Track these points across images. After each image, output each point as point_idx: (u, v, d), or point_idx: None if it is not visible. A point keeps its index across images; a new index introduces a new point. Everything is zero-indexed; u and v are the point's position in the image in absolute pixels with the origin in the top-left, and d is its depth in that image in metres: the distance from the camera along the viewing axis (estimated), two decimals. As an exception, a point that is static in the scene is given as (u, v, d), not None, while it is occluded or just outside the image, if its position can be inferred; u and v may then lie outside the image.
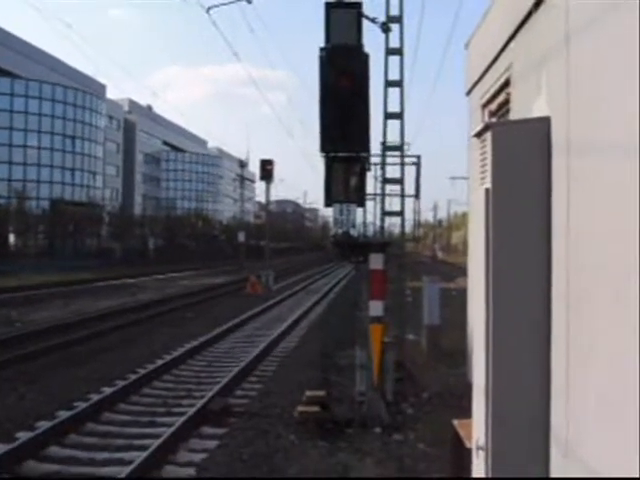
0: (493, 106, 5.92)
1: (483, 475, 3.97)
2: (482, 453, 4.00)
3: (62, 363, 14.48)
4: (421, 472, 7.57)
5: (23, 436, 8.89)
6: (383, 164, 16.59)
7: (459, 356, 10.41)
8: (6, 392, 11.65)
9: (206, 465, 8.13)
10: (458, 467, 5.51)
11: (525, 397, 3.82)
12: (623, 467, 2.68)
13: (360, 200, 10.68)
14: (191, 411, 10.13)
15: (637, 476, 2.57)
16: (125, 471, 7.47)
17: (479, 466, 4.12)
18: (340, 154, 10.03)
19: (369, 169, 11.34)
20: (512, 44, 4.80)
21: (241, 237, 62.60)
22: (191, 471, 7.96)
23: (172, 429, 9.13)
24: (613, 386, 2.83)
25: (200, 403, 10.59)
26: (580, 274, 3.33)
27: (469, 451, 4.60)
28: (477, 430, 4.22)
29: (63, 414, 10.05)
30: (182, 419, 9.65)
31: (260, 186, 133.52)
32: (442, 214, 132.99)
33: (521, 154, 3.89)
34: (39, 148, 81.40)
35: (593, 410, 3.10)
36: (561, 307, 3.60)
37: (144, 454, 8.05)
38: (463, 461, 5.06)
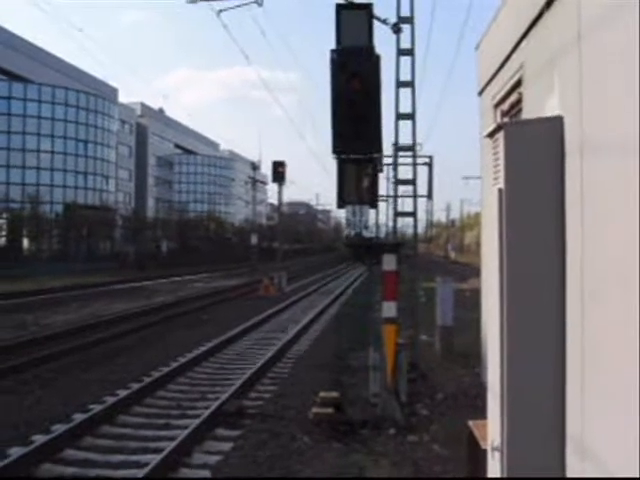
0: (505, 106, 5.91)
1: (498, 476, 3.96)
2: (497, 454, 3.99)
3: (78, 366, 14.54)
4: (437, 473, 7.55)
5: (39, 439, 8.93)
6: (395, 165, 16.60)
7: (473, 357, 10.41)
8: (22, 395, 11.71)
9: (221, 467, 8.14)
10: (474, 468, 5.50)
11: (540, 398, 3.81)
12: (636, 468, 2.67)
13: (372, 201, 10.68)
14: (206, 413, 10.15)
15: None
16: (140, 473, 7.49)
17: (494, 467, 4.11)
18: (352, 155, 10.04)
19: (381, 170, 11.37)
20: (523, 44, 4.79)
21: (254, 239, 62.65)
22: (206, 473, 7.98)
23: (187, 431, 9.15)
24: (628, 386, 2.82)
25: (215, 405, 10.60)
26: (594, 274, 3.32)
27: (485, 452, 4.59)
28: (492, 431, 4.22)
29: (79, 417, 10.10)
30: (197, 421, 9.68)
31: (272, 188, 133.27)
32: (455, 214, 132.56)
33: (534, 154, 3.88)
34: (52, 152, 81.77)
35: (608, 410, 3.09)
36: (576, 307, 3.59)
37: (159, 456, 8.07)
38: (479, 462, 5.05)
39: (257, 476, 7.12)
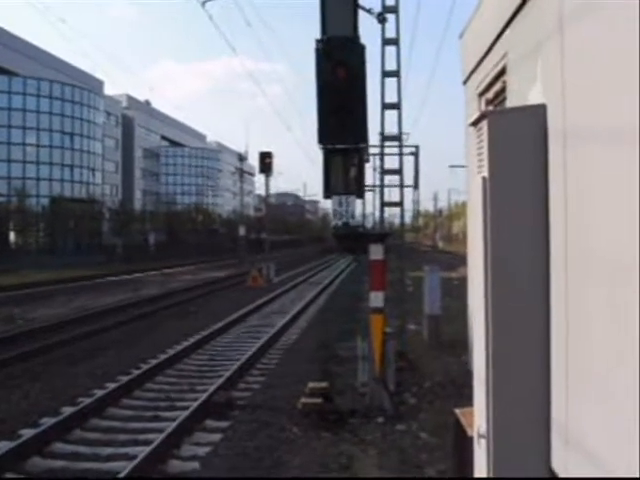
0: (490, 95, 5.92)
1: (484, 463, 3.98)
2: (483, 441, 4.01)
3: (66, 360, 14.51)
4: (424, 461, 7.59)
5: (27, 433, 8.92)
6: (382, 155, 16.61)
7: (460, 345, 10.44)
8: (10, 389, 11.68)
9: (210, 458, 8.16)
10: (460, 456, 5.53)
11: (525, 384, 3.83)
12: (624, 456, 2.69)
13: (359, 191, 10.69)
14: (194, 405, 10.16)
15: (638, 465, 2.59)
16: (130, 466, 7.50)
17: (481, 454, 4.14)
18: (338, 146, 10.03)
19: (368, 160, 11.37)
20: (507, 31, 4.79)
21: (241, 231, 62.64)
22: (195, 465, 7.99)
23: (175, 423, 9.16)
24: (612, 374, 2.84)
25: (203, 397, 10.61)
26: (578, 262, 3.34)
27: (471, 439, 4.62)
28: (478, 418, 4.24)
29: (67, 410, 10.08)
30: (186, 413, 9.69)
31: (260, 179, 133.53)
32: (442, 204, 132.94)
33: (517, 142, 3.89)
34: (38, 146, 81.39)
35: (593, 398, 3.11)
36: (560, 295, 3.61)
37: (148, 449, 8.08)
38: (465, 450, 5.07)
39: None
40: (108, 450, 8.64)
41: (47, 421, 9.51)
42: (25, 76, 78.83)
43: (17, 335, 17.41)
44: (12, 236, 71.51)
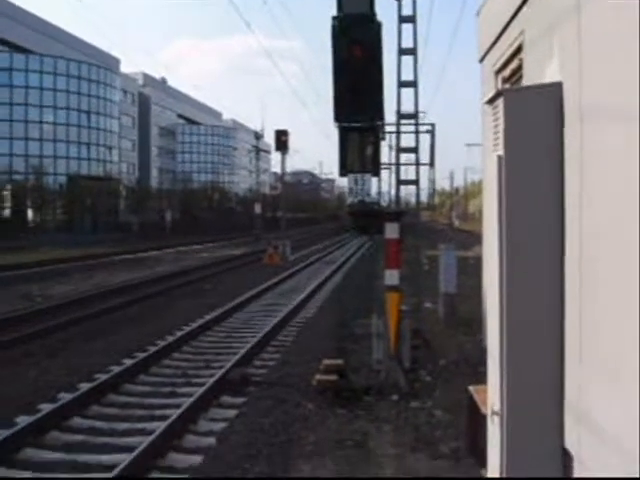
0: (506, 73, 5.88)
1: (498, 440, 4.01)
2: (497, 419, 4.04)
3: (83, 336, 14.65)
4: (438, 438, 7.64)
5: (46, 407, 9.04)
6: (398, 133, 16.56)
7: (476, 324, 10.46)
8: (28, 365, 11.82)
9: (226, 434, 8.24)
10: (473, 433, 5.56)
11: (539, 362, 3.85)
12: (637, 436, 2.71)
13: (375, 169, 10.69)
14: (211, 381, 10.24)
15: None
16: (147, 440, 7.59)
17: (494, 432, 4.16)
18: (354, 124, 10.01)
19: (383, 138, 11.35)
20: (524, 9, 4.76)
21: (257, 208, 62.75)
22: (212, 440, 8.07)
23: (192, 399, 9.25)
24: (626, 354, 2.84)
25: (219, 373, 10.70)
26: (593, 240, 3.33)
27: (484, 417, 4.64)
28: (492, 396, 4.26)
29: (84, 386, 10.20)
30: (202, 389, 9.77)
31: (276, 157, 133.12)
32: (459, 182, 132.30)
33: (533, 120, 3.88)
34: (55, 124, 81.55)
35: (606, 378, 3.12)
36: (574, 273, 3.61)
37: (164, 424, 8.17)
38: (479, 427, 5.10)
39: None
40: (124, 425, 8.74)
41: (65, 396, 9.63)
42: (42, 54, 78.94)
43: (35, 312, 17.56)
44: (30, 214, 72.02)
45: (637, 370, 2.70)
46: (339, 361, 10.32)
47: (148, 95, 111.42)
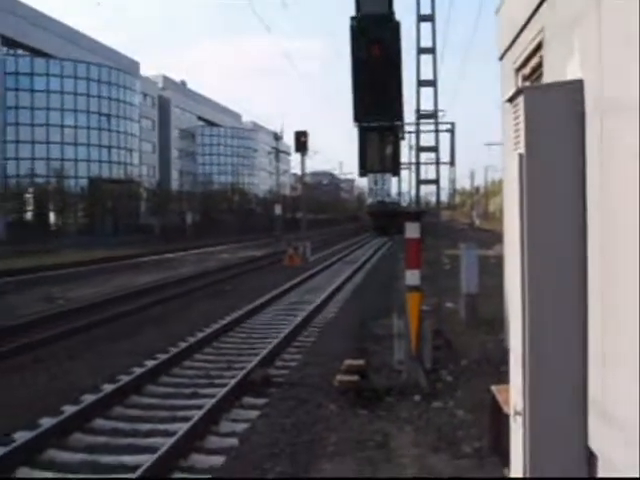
0: (526, 70, 5.85)
1: (520, 440, 3.99)
2: (520, 418, 4.01)
3: (105, 338, 14.75)
4: (460, 438, 7.60)
5: (69, 409, 9.11)
6: (417, 132, 16.52)
7: (497, 324, 10.40)
8: (51, 367, 11.91)
9: (248, 435, 8.25)
10: (496, 433, 5.54)
11: (562, 362, 3.82)
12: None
13: (395, 169, 10.67)
14: (232, 382, 10.27)
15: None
16: (169, 441, 7.62)
17: (517, 431, 4.14)
18: (373, 124, 10.00)
19: (403, 138, 11.32)
20: (544, 6, 4.73)
21: (277, 210, 62.80)
22: (234, 441, 8.09)
23: (214, 400, 9.28)
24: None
25: (241, 374, 10.72)
26: (616, 239, 3.31)
27: (507, 417, 4.62)
28: (515, 396, 4.24)
29: (107, 387, 10.27)
30: (224, 390, 9.80)
31: (295, 158, 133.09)
32: (479, 181, 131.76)
33: (554, 118, 3.85)
34: (76, 127, 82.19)
35: (631, 378, 3.09)
36: (596, 273, 3.58)
37: (187, 425, 8.20)
38: (501, 427, 5.08)
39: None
40: (147, 426, 8.78)
41: (88, 398, 9.69)
42: (62, 58, 79.61)
43: (58, 314, 17.70)
44: (52, 217, 72.61)
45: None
46: (360, 361, 10.30)
47: (168, 98, 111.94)
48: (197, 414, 8.67)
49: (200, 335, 14.51)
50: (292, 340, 14.31)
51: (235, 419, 9.09)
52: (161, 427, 8.71)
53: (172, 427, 8.55)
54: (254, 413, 9.21)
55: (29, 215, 71.17)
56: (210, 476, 7.21)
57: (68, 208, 72.36)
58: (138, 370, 11.31)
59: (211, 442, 8.22)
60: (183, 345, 13.39)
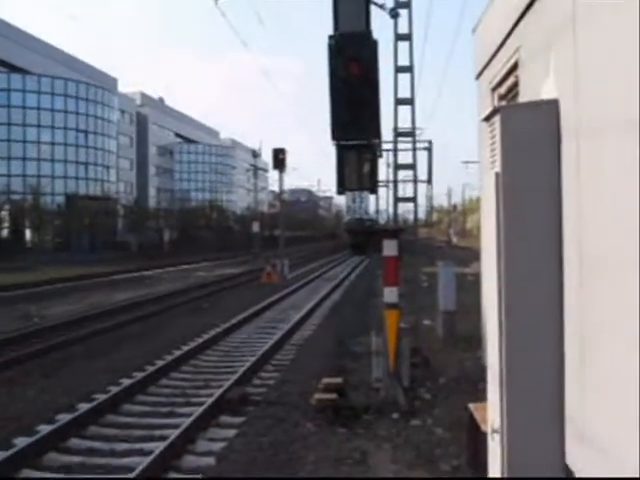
0: (502, 89, 5.91)
1: (498, 458, 3.99)
2: (497, 436, 4.02)
3: (81, 356, 14.60)
4: (438, 456, 7.59)
5: (44, 429, 8.99)
6: (395, 150, 16.60)
7: (475, 341, 10.43)
8: (26, 386, 11.76)
9: (225, 454, 8.19)
10: (474, 450, 5.53)
11: (539, 379, 3.83)
12: (636, 453, 2.69)
13: (372, 187, 10.70)
14: (210, 401, 10.20)
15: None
16: (145, 461, 7.54)
17: (495, 449, 4.14)
18: (351, 142, 10.03)
19: (381, 155, 11.36)
20: (520, 26, 4.79)
21: (255, 227, 62.73)
22: (211, 460, 8.03)
23: (191, 419, 9.20)
24: (630, 372, 2.83)
25: (218, 393, 10.65)
26: (591, 257, 3.33)
27: (485, 435, 4.62)
28: (492, 413, 4.24)
29: (83, 406, 10.15)
30: (201, 409, 9.73)
31: (273, 175, 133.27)
32: (457, 199, 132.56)
33: (530, 137, 3.88)
34: (53, 144, 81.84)
35: (609, 395, 3.11)
36: (572, 290, 3.61)
37: (163, 444, 8.12)
38: (479, 444, 5.08)
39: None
40: (124, 445, 8.69)
41: (63, 417, 9.58)
42: (39, 74, 79.24)
43: (33, 332, 17.52)
44: (28, 234, 71.96)
45: (637, 389, 2.69)
46: (338, 379, 10.28)
47: (146, 114, 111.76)
48: (174, 433, 8.59)
49: (177, 353, 14.40)
50: (270, 358, 14.25)
51: (212, 438, 9.01)
52: (137, 446, 8.62)
53: (148, 446, 8.46)
54: (231, 432, 9.14)
55: (4, 232, 70.45)
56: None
57: (44, 225, 71.77)
58: (114, 389, 11.20)
59: (188, 461, 8.14)
60: (160, 363, 13.28)
